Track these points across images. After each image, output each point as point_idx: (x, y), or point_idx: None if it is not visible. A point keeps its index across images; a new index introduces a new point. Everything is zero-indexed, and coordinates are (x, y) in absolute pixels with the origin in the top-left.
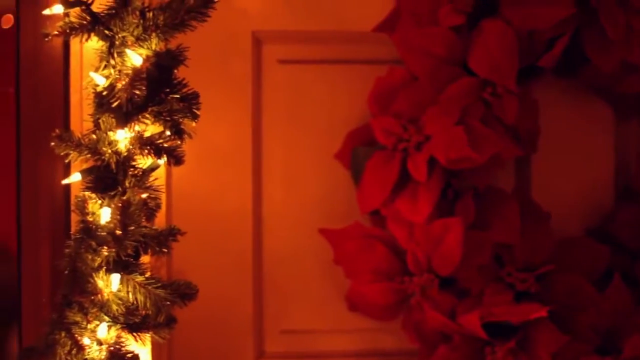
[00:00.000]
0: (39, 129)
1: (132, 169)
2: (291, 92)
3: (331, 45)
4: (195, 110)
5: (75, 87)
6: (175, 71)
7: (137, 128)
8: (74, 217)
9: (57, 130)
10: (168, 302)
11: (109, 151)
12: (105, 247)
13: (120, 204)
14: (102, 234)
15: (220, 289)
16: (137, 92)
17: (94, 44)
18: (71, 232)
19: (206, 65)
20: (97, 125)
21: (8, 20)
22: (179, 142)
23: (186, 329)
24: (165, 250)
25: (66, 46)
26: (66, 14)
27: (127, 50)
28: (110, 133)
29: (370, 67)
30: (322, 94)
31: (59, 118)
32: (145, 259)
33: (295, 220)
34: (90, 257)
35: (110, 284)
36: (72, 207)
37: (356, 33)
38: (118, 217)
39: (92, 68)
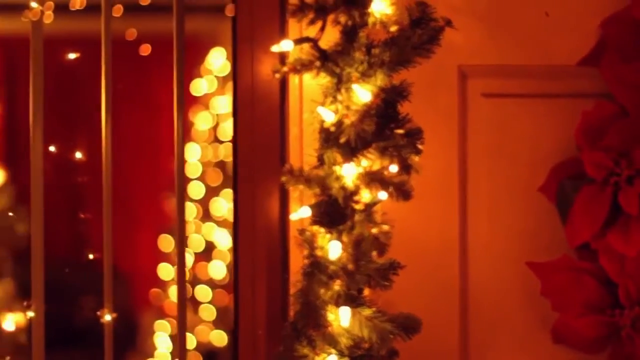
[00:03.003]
0: (256, 163)
1: (356, 204)
2: (495, 125)
3: (535, 79)
4: (419, 146)
5: (294, 121)
6: None
7: (363, 163)
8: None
9: (287, 165)
10: (393, 336)
11: (337, 186)
12: (337, 281)
13: (353, 239)
14: (333, 268)
15: (427, 320)
16: (366, 127)
17: (313, 80)
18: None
19: (413, 98)
20: (321, 159)
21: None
22: (406, 177)
23: None
24: (387, 283)
25: (283, 81)
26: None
27: (355, 86)
28: (336, 167)
29: (574, 100)
30: (526, 127)
31: (275, 152)
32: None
33: (500, 252)
34: (321, 290)
35: (340, 318)
36: (300, 241)
37: (560, 67)
38: (350, 251)
39: (311, 103)
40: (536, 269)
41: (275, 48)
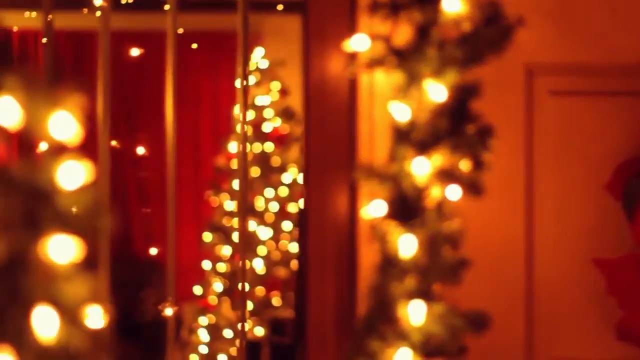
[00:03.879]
0: (326, 159)
1: (428, 200)
2: (562, 122)
3: (601, 77)
4: (490, 143)
5: (364, 118)
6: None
7: (435, 159)
8: (360, 245)
9: (359, 161)
10: (464, 331)
11: (409, 182)
12: (409, 277)
13: (425, 234)
14: (406, 263)
15: (492, 315)
16: (438, 124)
17: (385, 76)
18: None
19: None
20: (394, 156)
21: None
22: (477, 173)
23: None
24: (457, 280)
25: (353, 78)
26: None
27: (427, 83)
28: (408, 164)
29: None
30: (592, 125)
31: (345, 148)
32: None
33: (566, 249)
34: (394, 286)
35: (412, 313)
36: (372, 237)
37: (627, 65)
38: (423, 246)
39: (382, 99)
40: (602, 265)
41: (348, 45)
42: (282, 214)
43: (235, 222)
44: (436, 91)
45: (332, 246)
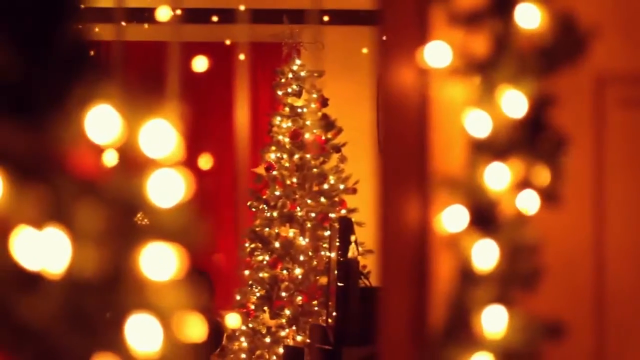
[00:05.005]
0: (399, 168)
1: (506, 209)
2: (632, 133)
3: None
4: (566, 152)
5: (438, 128)
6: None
7: (511, 169)
8: (434, 255)
9: (436, 171)
10: (541, 340)
11: (487, 191)
12: (488, 285)
13: (504, 243)
14: (484, 272)
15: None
16: (516, 134)
17: (461, 86)
18: (429, 270)
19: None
20: (471, 165)
21: None
22: (555, 183)
23: None
24: (533, 288)
25: (426, 87)
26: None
27: (506, 94)
28: (485, 173)
29: None
30: None
31: (418, 157)
32: None
33: (639, 259)
34: (473, 294)
35: (491, 322)
36: (448, 245)
37: None
38: (502, 255)
39: (456, 110)
40: None
41: (424, 55)
42: (322, 222)
43: (274, 230)
44: (515, 101)
45: (406, 256)
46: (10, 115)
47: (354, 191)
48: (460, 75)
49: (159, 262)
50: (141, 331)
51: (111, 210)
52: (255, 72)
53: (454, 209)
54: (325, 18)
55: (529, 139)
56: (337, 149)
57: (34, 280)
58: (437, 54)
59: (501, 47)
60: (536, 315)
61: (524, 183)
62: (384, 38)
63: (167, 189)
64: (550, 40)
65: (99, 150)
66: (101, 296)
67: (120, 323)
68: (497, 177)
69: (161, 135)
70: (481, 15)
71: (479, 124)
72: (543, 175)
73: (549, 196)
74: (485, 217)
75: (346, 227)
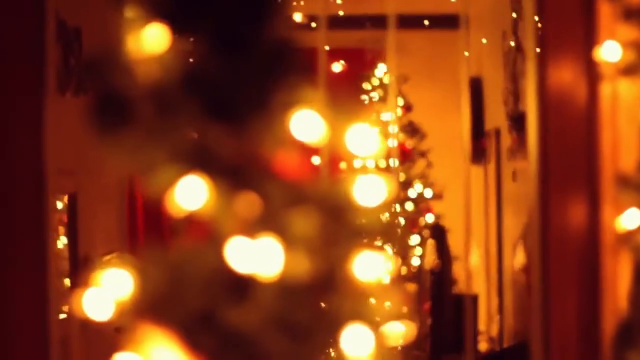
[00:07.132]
0: (565, 169)
1: None
2: None
3: None
4: None
5: (607, 126)
6: None
7: None
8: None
9: (622, 175)
10: None
11: None
12: None
13: None
14: None
15: None
16: None
17: (629, 84)
18: (599, 273)
19: None
20: None
21: None
22: None
23: None
24: None
25: (591, 85)
26: None
27: None
28: None
29: None
30: None
31: (584, 157)
32: None
33: None
34: None
35: None
36: (622, 246)
37: None
38: None
39: (627, 108)
40: None
41: (598, 53)
42: (410, 229)
43: None
44: None
45: (575, 259)
46: (217, 121)
47: (440, 197)
48: (633, 72)
49: (370, 266)
50: (354, 338)
51: (322, 213)
52: (338, 76)
53: (632, 210)
54: (426, 22)
55: None
56: (423, 154)
57: (245, 286)
58: (614, 51)
59: None
60: None
61: None
62: (546, 34)
63: (372, 190)
64: None
65: (304, 154)
66: (313, 302)
67: (333, 329)
68: None
69: (365, 138)
70: None
71: None
72: None
73: None
74: None
75: (440, 235)
